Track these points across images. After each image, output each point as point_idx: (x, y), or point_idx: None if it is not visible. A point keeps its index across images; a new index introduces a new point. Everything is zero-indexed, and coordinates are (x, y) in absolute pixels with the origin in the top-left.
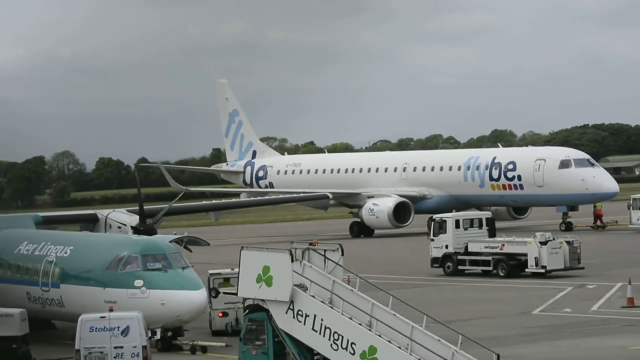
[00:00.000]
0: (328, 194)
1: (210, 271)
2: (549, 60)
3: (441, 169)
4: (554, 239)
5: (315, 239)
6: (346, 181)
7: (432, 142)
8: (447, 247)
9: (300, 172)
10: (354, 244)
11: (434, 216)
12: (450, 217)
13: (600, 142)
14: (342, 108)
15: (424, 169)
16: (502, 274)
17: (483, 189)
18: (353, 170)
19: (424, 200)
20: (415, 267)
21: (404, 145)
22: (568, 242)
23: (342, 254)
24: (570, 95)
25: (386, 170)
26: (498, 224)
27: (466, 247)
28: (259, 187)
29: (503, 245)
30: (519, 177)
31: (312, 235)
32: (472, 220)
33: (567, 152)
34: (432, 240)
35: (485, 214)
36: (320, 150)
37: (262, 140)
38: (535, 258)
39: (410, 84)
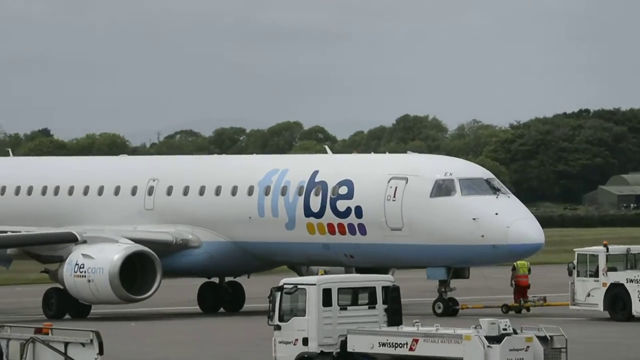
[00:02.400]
0: (75, 233)
1: None
2: None
3: (217, 191)
4: (514, 330)
5: (48, 322)
6: (43, 211)
7: (282, 137)
8: (306, 342)
9: None
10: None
11: (283, 281)
12: (313, 282)
13: (610, 143)
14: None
15: (186, 192)
16: None
17: (292, 231)
18: (57, 191)
19: (184, 251)
20: None
21: (225, 139)
22: (542, 339)
23: (101, 351)
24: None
25: (117, 191)
26: None
27: (344, 344)
28: None
29: (416, 341)
30: (358, 211)
31: None
32: (355, 290)
33: (449, 165)
34: (277, 327)
35: (381, 280)
36: (60, 147)
37: None
38: None
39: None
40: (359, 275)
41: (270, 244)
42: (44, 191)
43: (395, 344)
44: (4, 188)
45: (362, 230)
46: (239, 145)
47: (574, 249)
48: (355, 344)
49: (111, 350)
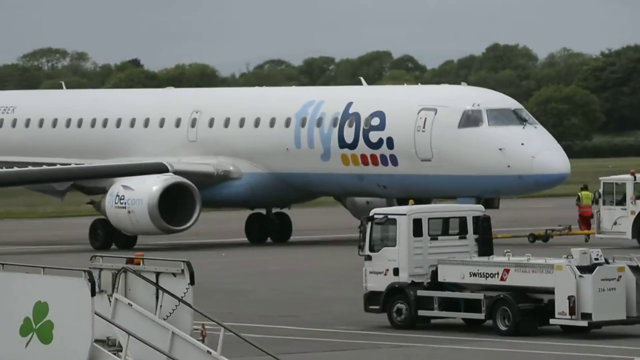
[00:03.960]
0: (166, 164)
1: None
2: None
3: (257, 123)
4: (606, 260)
5: (139, 253)
6: (91, 143)
7: (371, 67)
8: (396, 272)
9: (14, 123)
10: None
11: (373, 211)
12: (404, 212)
13: None
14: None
15: (227, 124)
16: (503, 328)
17: (328, 162)
18: (105, 123)
19: (225, 183)
20: (333, 310)
21: (314, 68)
22: (634, 269)
23: (192, 282)
24: None
25: (162, 123)
26: None
27: (434, 274)
28: None
29: (507, 271)
30: (389, 142)
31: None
32: (446, 220)
33: (477, 96)
34: (368, 258)
35: (472, 210)
36: (151, 77)
37: (28, 57)
38: (571, 299)
39: None
40: (450, 205)
41: (306, 175)
42: (93, 123)
43: (486, 274)
44: (55, 120)
45: (394, 161)
46: (328, 74)
47: (600, 178)
48: (446, 274)
49: (200, 280)
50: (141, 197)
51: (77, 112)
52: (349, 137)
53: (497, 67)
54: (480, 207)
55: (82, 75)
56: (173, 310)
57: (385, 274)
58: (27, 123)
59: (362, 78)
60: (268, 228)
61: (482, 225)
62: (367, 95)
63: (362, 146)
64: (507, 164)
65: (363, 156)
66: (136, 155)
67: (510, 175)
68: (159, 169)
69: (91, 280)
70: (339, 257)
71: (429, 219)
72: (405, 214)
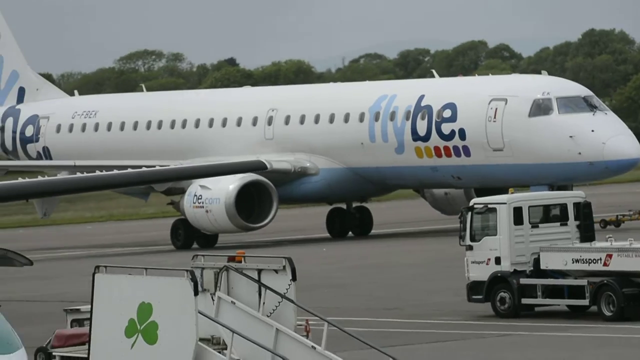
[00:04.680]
0: (264, 162)
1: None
2: None
3: (331, 119)
4: None
5: (240, 250)
6: (172, 144)
7: (467, 57)
8: (498, 261)
9: (96, 127)
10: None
11: (473, 201)
12: (504, 201)
13: None
14: None
15: (302, 120)
16: (608, 314)
17: (402, 155)
18: (185, 124)
19: (303, 179)
20: (436, 301)
21: (410, 61)
22: None
23: (294, 278)
24: None
25: (239, 122)
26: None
27: (537, 262)
28: (27, 155)
29: (610, 256)
30: (462, 133)
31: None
32: (547, 208)
33: (547, 85)
34: (469, 247)
35: (572, 196)
36: (247, 76)
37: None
38: None
39: None
40: (549, 192)
41: (382, 168)
42: (172, 125)
43: (589, 260)
44: (136, 123)
45: (467, 151)
46: (424, 66)
47: None
48: (549, 262)
49: (302, 276)
50: (218, 196)
51: (157, 114)
52: (421, 129)
53: (593, 52)
54: (581, 193)
55: (178, 76)
56: (276, 306)
57: (487, 264)
58: (109, 127)
59: (434, 70)
60: (349, 222)
61: (584, 212)
62: (438, 88)
63: (435, 138)
64: (578, 151)
65: (436, 148)
66: (216, 155)
67: (581, 162)
68: (259, 166)
69: (193, 280)
70: (438, 248)
71: (529, 206)
72: (505, 203)
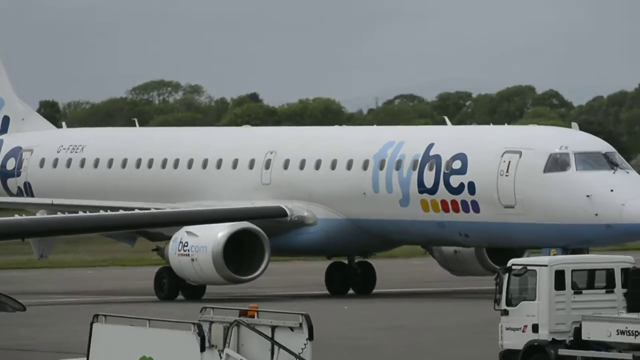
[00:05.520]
0: (285, 208)
1: None
2: None
3: (333, 165)
4: None
5: (253, 304)
6: (161, 184)
7: (512, 103)
8: (535, 328)
9: (82, 163)
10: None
11: (511, 262)
12: (545, 263)
13: None
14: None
15: (302, 166)
16: None
17: (406, 208)
18: (177, 164)
19: (300, 229)
20: None
21: (449, 105)
22: None
23: (311, 336)
24: None
25: (235, 165)
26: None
27: (578, 331)
28: (7, 191)
29: None
30: (471, 187)
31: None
32: (591, 272)
33: (565, 138)
34: (504, 312)
35: (620, 261)
36: (270, 113)
37: (138, 90)
38: None
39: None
40: (595, 255)
41: (384, 221)
42: (164, 164)
43: (636, 332)
44: (125, 160)
45: (475, 207)
46: (465, 111)
47: None
48: (591, 332)
49: (319, 334)
50: (205, 243)
51: (148, 151)
52: (429, 181)
53: None
54: (630, 258)
55: (195, 110)
56: None
57: (523, 331)
58: (96, 163)
59: (446, 117)
60: (350, 278)
61: (632, 279)
62: (449, 136)
63: (442, 191)
64: (594, 212)
65: (443, 202)
66: (207, 199)
67: (598, 224)
68: (280, 213)
69: (201, 334)
70: (469, 311)
71: (572, 270)
72: (546, 265)
